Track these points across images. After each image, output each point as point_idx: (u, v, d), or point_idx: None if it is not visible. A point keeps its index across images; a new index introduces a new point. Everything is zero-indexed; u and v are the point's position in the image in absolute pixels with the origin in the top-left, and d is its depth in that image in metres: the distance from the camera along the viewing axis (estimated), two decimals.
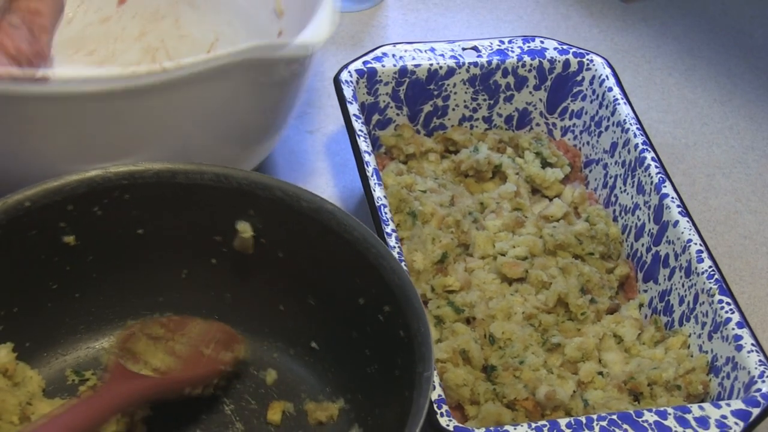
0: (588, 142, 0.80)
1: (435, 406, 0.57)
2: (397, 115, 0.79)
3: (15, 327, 0.62)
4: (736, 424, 0.58)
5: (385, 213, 0.67)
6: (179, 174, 0.62)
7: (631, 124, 0.75)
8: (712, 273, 0.66)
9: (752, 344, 0.62)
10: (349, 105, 0.74)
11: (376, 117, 0.78)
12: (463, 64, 0.78)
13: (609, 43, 0.97)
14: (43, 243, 0.61)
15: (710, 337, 0.65)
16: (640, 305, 0.71)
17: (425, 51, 0.78)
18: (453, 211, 0.72)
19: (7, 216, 0.59)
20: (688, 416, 0.58)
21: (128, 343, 0.61)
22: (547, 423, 0.58)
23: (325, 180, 0.81)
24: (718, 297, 0.65)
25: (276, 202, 0.62)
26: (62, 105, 0.61)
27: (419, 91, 0.78)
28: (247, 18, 0.83)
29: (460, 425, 0.57)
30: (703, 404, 0.59)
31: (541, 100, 0.81)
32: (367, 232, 0.60)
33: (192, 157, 0.63)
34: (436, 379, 0.58)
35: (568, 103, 0.81)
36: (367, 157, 0.70)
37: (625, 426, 0.58)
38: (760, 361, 0.61)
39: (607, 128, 0.78)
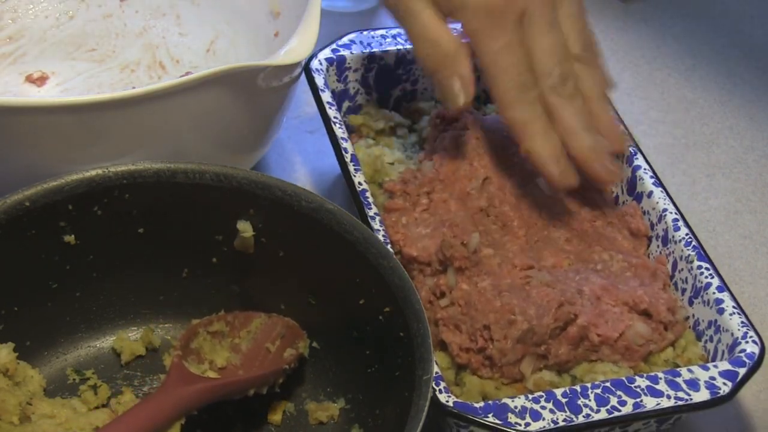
0: None
1: (433, 383, 0.57)
2: (367, 101, 0.79)
3: (15, 326, 0.62)
4: (725, 384, 0.59)
5: (367, 198, 0.67)
6: (179, 173, 0.62)
7: None
8: (689, 240, 0.67)
9: (733, 307, 0.64)
10: (321, 93, 0.74)
11: (346, 104, 0.79)
12: None
13: (609, 43, 0.96)
14: (43, 242, 0.61)
15: (691, 303, 0.66)
16: None
17: (393, 37, 0.79)
18: None
19: (7, 216, 0.59)
20: (679, 380, 0.59)
21: (191, 341, 0.61)
22: (543, 393, 0.59)
23: (325, 180, 0.81)
24: (696, 263, 0.66)
25: (276, 201, 0.62)
26: (51, 115, 0.61)
27: (388, 76, 0.79)
28: (245, 17, 0.83)
29: (460, 401, 0.58)
30: (691, 367, 0.60)
31: None
32: (366, 231, 0.60)
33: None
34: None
35: None
36: (344, 144, 0.71)
37: (619, 392, 0.59)
38: (742, 322, 0.63)
39: None
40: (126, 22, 0.87)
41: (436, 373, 0.58)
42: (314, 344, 0.64)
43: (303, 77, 0.75)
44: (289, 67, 0.68)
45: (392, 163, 0.74)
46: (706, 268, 0.66)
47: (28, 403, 0.59)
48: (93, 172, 0.61)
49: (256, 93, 0.68)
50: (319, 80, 0.75)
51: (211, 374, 0.60)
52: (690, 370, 0.60)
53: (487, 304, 0.62)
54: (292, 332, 0.64)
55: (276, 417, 0.63)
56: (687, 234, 0.67)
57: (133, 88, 0.61)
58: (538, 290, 0.62)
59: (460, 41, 0.64)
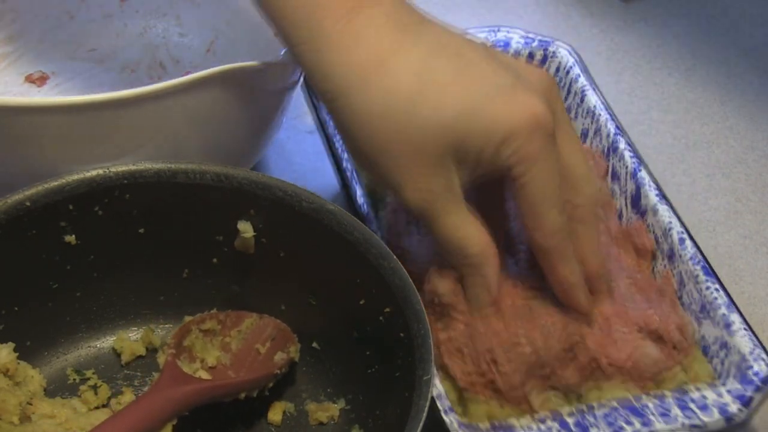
0: None
1: (438, 404, 0.57)
2: None
3: (16, 326, 0.62)
4: (735, 406, 0.59)
5: (369, 210, 0.67)
6: (180, 173, 0.62)
7: (601, 111, 0.75)
8: (695, 256, 0.66)
9: (742, 325, 0.62)
10: (320, 108, 0.73)
11: None
12: None
13: (609, 43, 0.96)
14: (43, 242, 0.61)
15: (698, 320, 0.65)
16: None
17: None
18: None
19: (8, 216, 0.59)
20: (688, 400, 0.59)
21: (183, 339, 0.61)
22: (550, 414, 0.58)
23: (325, 180, 0.81)
24: (703, 279, 0.65)
25: (276, 202, 0.62)
26: (51, 115, 0.61)
27: None
28: (245, 17, 0.83)
29: (465, 422, 0.57)
30: (700, 386, 0.59)
31: None
32: (367, 232, 0.60)
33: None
34: (436, 381, 0.58)
35: None
36: (345, 155, 0.70)
37: (627, 414, 0.58)
38: (752, 341, 0.62)
39: (576, 116, 0.77)
40: (126, 22, 0.87)
41: (439, 393, 0.58)
42: (314, 345, 0.65)
43: (294, 83, 0.75)
44: (289, 68, 0.68)
45: None
46: (714, 285, 0.64)
47: (28, 403, 0.60)
48: (93, 172, 0.61)
49: (255, 93, 0.68)
50: None
51: (203, 374, 0.60)
52: (699, 390, 0.59)
53: (490, 329, 0.60)
54: (283, 335, 0.64)
55: (276, 417, 0.63)
56: (693, 250, 0.66)
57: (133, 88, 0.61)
58: (541, 312, 0.61)
59: (487, 241, 0.59)
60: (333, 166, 0.71)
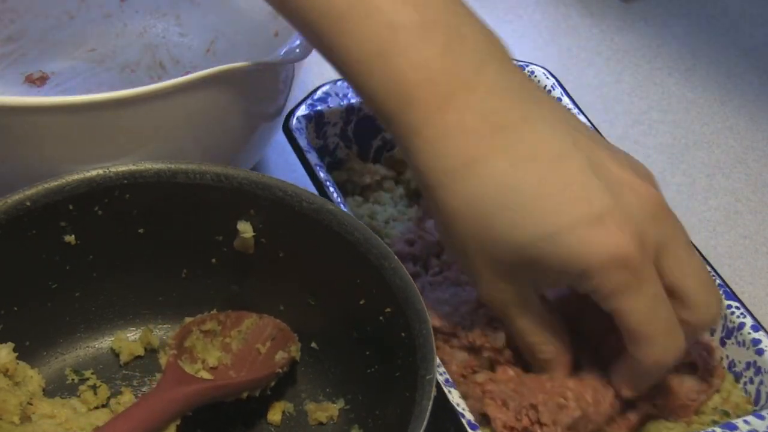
0: None
1: None
2: (347, 154, 0.76)
3: (15, 326, 0.61)
4: None
5: None
6: (180, 173, 0.62)
7: None
8: (713, 278, 0.64)
9: None
10: (307, 154, 0.71)
11: (327, 159, 0.75)
12: None
13: (609, 43, 0.97)
14: (43, 242, 0.61)
15: (723, 344, 0.64)
16: None
17: None
18: None
19: (8, 216, 0.59)
20: None
21: (184, 340, 0.61)
22: None
23: None
24: (725, 302, 0.63)
25: (277, 202, 0.62)
26: (51, 115, 0.61)
27: (367, 126, 0.75)
28: (245, 17, 0.83)
29: None
30: (746, 418, 0.58)
31: None
32: (368, 232, 0.60)
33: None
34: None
35: None
36: (338, 198, 0.68)
37: None
38: None
39: None
40: (126, 22, 0.87)
41: None
42: (313, 345, 0.64)
43: (303, 78, 0.75)
44: (289, 67, 0.68)
45: (387, 222, 0.71)
46: (737, 307, 0.63)
47: (28, 403, 0.59)
48: (93, 172, 0.61)
49: (255, 93, 0.68)
50: (302, 140, 0.72)
51: (204, 374, 0.60)
52: (746, 422, 0.57)
53: (536, 382, 0.58)
54: (284, 335, 0.64)
55: (275, 417, 0.63)
56: (710, 272, 0.63)
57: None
58: (588, 368, 0.59)
59: (558, 348, 0.58)
60: None
